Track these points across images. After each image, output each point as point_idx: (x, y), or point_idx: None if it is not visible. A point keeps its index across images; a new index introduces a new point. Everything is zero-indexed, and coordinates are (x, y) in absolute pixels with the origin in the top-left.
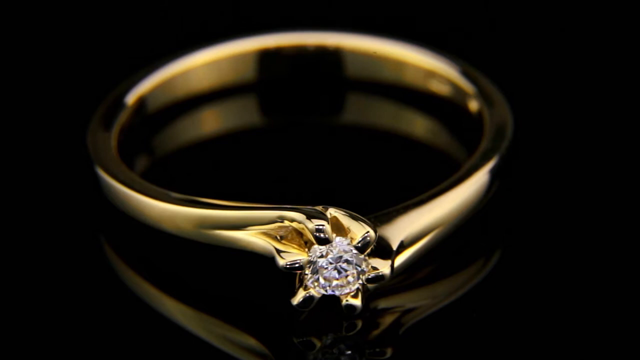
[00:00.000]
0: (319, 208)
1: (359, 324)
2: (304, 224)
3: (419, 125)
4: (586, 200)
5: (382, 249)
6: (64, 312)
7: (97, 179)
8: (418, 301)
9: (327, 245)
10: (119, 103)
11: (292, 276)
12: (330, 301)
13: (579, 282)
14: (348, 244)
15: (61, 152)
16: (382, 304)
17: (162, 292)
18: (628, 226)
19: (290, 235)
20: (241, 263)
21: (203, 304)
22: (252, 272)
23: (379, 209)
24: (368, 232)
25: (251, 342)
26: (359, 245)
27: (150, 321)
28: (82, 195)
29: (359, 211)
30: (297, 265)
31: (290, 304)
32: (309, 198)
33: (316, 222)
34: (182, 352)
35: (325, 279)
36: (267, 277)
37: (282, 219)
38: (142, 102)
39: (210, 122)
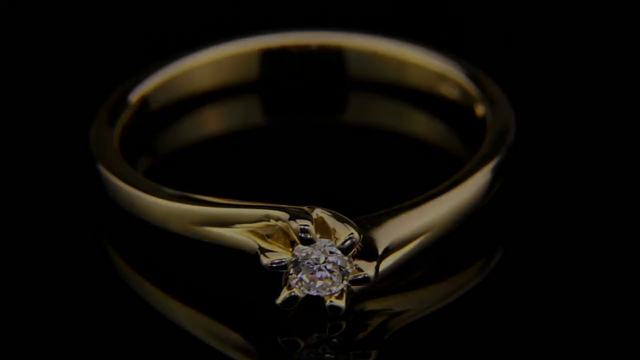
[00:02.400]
0: (305, 208)
1: (344, 325)
2: (288, 223)
3: (421, 125)
4: (588, 202)
5: (368, 251)
6: (64, 309)
7: (99, 177)
8: (408, 304)
9: (312, 246)
10: (122, 102)
11: (282, 275)
12: (317, 301)
13: (578, 283)
14: (332, 245)
15: (64, 150)
16: (371, 305)
17: (155, 287)
18: (628, 228)
19: (276, 235)
20: (235, 260)
21: (195, 300)
22: (245, 269)
23: (378, 209)
24: (352, 233)
25: (236, 337)
26: (343, 246)
27: (141, 315)
28: (84, 192)
29: (358, 211)
30: (281, 264)
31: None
32: (310, 197)
33: (300, 222)
34: (168, 344)
35: (309, 279)
36: (259, 275)
37: (268, 217)
38: (145, 101)
39: (212, 121)
